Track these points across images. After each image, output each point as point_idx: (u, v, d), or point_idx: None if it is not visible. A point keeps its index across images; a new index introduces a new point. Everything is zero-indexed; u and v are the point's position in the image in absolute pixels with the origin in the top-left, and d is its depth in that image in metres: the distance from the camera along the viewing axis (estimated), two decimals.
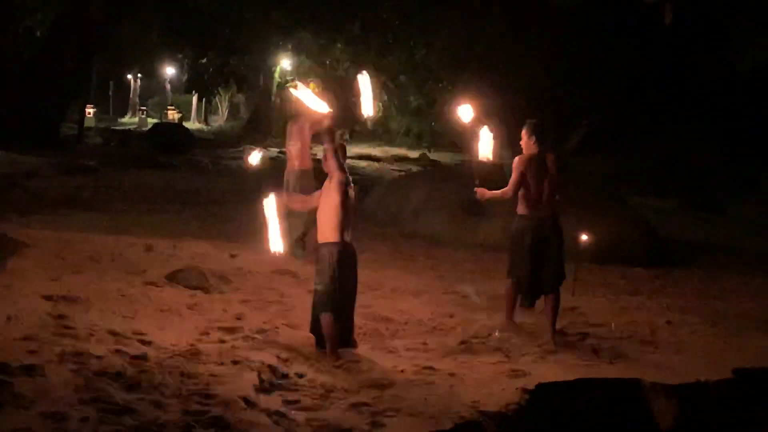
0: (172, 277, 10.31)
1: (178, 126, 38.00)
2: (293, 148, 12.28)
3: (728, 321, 10.18)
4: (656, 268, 13.47)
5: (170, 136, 31.13)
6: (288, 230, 11.52)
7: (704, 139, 28.36)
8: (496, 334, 8.89)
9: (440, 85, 39.00)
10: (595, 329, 9.32)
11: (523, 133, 9.17)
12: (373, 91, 9.54)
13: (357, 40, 37.73)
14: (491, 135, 9.18)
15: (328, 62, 38.39)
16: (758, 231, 19.23)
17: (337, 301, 8.01)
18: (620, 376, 7.66)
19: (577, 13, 25.22)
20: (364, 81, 9.42)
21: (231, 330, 8.29)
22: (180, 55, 39.93)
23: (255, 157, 9.71)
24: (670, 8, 16.00)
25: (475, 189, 9.23)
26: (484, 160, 9.18)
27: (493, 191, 9.17)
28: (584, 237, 10.74)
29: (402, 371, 7.62)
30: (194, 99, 49.40)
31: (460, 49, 37.18)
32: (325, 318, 7.97)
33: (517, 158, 9.06)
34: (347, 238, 8.13)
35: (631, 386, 7.52)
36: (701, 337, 9.33)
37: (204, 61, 36.53)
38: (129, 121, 49.19)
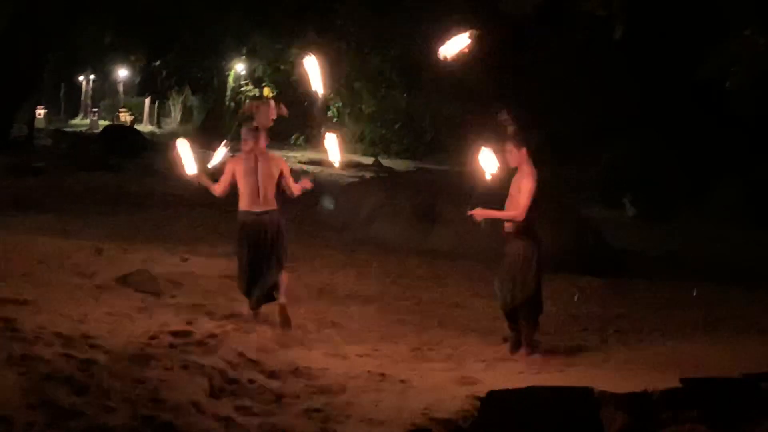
0: (123, 281, 10.24)
1: (130, 128, 37.74)
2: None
3: (677, 330, 10.28)
4: (607, 277, 13.55)
5: (122, 139, 30.89)
6: None
7: (656, 150, 28.57)
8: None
9: (393, 92, 39.12)
10: (546, 337, 9.36)
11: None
12: (321, 74, 9.52)
13: (312, 46, 37.72)
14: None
15: (282, 67, 38.39)
16: (708, 241, 19.43)
17: (241, 275, 9.20)
18: (570, 384, 7.68)
19: (528, 21, 25.34)
20: (310, 63, 9.56)
21: (182, 334, 8.21)
22: (133, 58, 39.64)
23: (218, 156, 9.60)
24: (621, 23, 16.18)
25: (470, 212, 8.71)
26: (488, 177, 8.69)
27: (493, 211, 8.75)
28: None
29: (354, 377, 7.61)
30: (147, 102, 49.11)
31: (414, 56, 37.30)
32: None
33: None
34: (249, 207, 9.08)
35: (581, 395, 7.53)
36: (650, 346, 9.40)
37: (157, 63, 36.38)
38: (80, 122, 48.80)
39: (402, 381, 7.61)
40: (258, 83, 40.95)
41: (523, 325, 8.76)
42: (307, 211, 17.59)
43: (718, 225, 21.93)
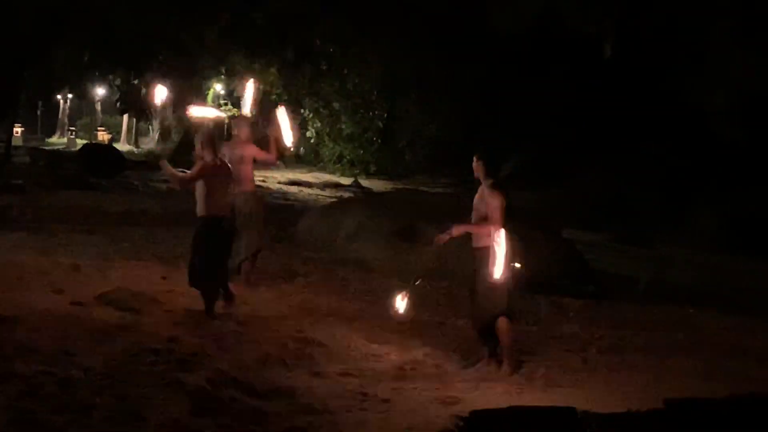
0: (102, 298, 10.17)
1: (108, 147, 37.63)
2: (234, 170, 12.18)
3: (659, 351, 10.28)
4: (587, 298, 13.56)
5: (100, 157, 30.77)
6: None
7: (632, 174, 28.75)
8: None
9: (372, 113, 39.20)
10: (528, 357, 9.36)
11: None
12: (294, 121, 10.11)
13: (291, 66, 37.76)
14: None
15: (261, 87, 38.35)
16: (686, 265, 19.52)
17: (211, 268, 9.97)
18: (553, 404, 7.66)
19: (514, 41, 25.46)
20: (281, 114, 10.22)
21: (163, 352, 8.16)
22: (111, 76, 39.49)
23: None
24: (611, 42, 16.32)
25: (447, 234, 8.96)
26: None
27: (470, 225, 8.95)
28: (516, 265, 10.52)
29: (337, 397, 7.56)
30: (124, 120, 48.99)
31: (394, 77, 37.45)
32: (208, 284, 10.00)
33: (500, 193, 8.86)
34: (214, 212, 10.03)
35: (564, 414, 7.51)
36: (633, 367, 9.40)
37: (136, 82, 36.27)
38: (57, 141, 48.71)
39: (385, 400, 7.58)
40: (237, 102, 40.90)
41: (503, 343, 8.78)
42: (287, 230, 17.57)
43: (696, 250, 22.03)
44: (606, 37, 16.75)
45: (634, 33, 19.37)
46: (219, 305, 10.19)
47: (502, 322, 8.79)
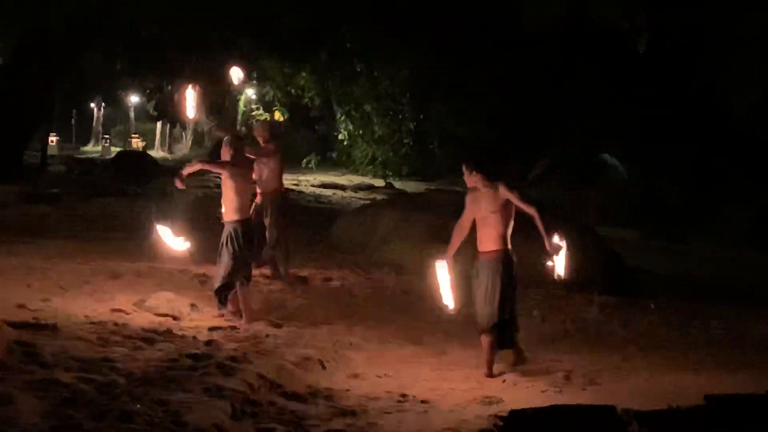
0: (141, 304, 10.23)
1: (142, 154, 37.80)
2: (263, 173, 12.29)
3: (699, 348, 10.22)
4: (624, 296, 13.49)
5: (134, 165, 30.91)
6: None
7: (664, 171, 28.62)
8: None
9: (403, 115, 39.11)
10: (567, 355, 9.32)
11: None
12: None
13: (322, 69, 37.73)
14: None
15: (293, 91, 38.39)
16: (719, 262, 19.41)
17: (244, 268, 10.11)
18: (593, 402, 7.63)
19: (545, 40, 25.31)
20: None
21: (202, 357, 8.18)
22: (145, 82, 39.66)
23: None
24: (644, 37, 16.18)
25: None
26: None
27: None
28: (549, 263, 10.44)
29: (375, 398, 7.56)
30: (158, 127, 49.20)
31: (424, 78, 37.36)
32: (243, 286, 10.09)
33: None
34: (244, 216, 10.27)
35: (604, 413, 7.48)
36: (673, 364, 9.35)
37: (169, 88, 36.39)
38: (92, 149, 48.93)
39: (423, 401, 7.58)
40: (268, 107, 40.96)
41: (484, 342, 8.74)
42: (321, 233, 17.61)
43: (728, 247, 21.89)
44: (640, 32, 16.61)
45: (664, 30, 19.23)
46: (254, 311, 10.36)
47: (483, 340, 8.75)
